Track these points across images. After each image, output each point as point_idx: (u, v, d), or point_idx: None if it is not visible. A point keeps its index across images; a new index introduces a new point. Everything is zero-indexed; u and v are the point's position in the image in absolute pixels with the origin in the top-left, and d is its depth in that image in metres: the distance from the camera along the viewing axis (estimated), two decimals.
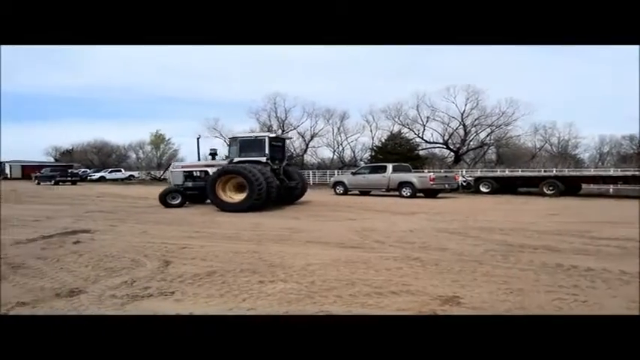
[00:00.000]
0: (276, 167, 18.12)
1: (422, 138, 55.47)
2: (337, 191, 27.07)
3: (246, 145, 18.15)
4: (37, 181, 53.13)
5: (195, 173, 19.33)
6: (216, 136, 62.45)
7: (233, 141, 18.93)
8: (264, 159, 17.70)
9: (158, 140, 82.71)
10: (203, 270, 6.68)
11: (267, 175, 16.56)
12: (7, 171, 78.91)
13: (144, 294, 5.47)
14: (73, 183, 51.81)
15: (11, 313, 4.80)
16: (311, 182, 46.07)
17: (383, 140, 54.05)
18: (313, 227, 11.64)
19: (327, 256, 7.72)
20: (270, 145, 17.93)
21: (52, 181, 50.35)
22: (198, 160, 20.48)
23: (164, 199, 17.83)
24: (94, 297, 5.34)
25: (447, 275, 6.35)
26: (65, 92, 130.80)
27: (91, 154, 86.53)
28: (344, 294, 5.43)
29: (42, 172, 55.30)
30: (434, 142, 56.14)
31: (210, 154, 20.09)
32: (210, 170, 18.38)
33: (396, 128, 55.11)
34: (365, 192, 26.57)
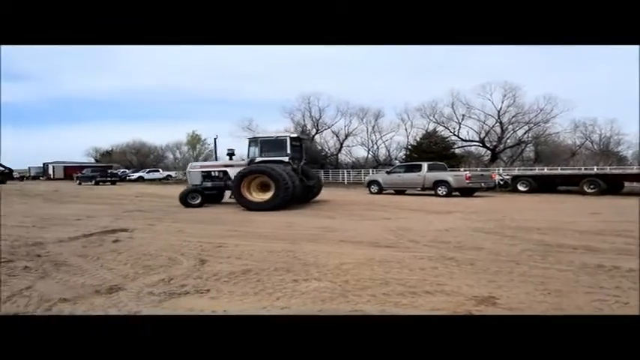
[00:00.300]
0: (295, 167, 18.26)
1: (457, 136, 54.86)
2: (372, 190, 26.98)
3: (267, 145, 18.34)
4: (78, 181, 54.64)
5: (213, 173, 19.48)
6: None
7: (253, 141, 18.82)
8: (286, 159, 17.96)
9: (194, 140, 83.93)
10: (238, 268, 6.75)
11: (291, 174, 16.95)
12: (50, 172, 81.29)
13: (180, 291, 5.57)
14: (113, 183, 53.05)
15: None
16: (345, 181, 46.10)
17: (418, 139, 53.64)
18: (347, 226, 11.63)
19: (361, 255, 7.70)
20: (291, 145, 18.14)
21: (93, 182, 51.71)
22: (216, 159, 20.77)
23: (184, 200, 17.94)
24: (133, 294, 5.47)
25: (482, 275, 6.26)
26: (105, 95, 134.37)
27: (129, 155, 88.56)
28: (377, 293, 5.41)
29: (83, 172, 56.86)
30: (470, 140, 55.44)
31: (228, 154, 20.06)
32: (230, 170, 18.70)
33: (431, 126, 54.70)
34: (400, 191, 26.40)
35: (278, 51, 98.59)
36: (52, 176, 79.65)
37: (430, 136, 51.51)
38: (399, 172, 26.40)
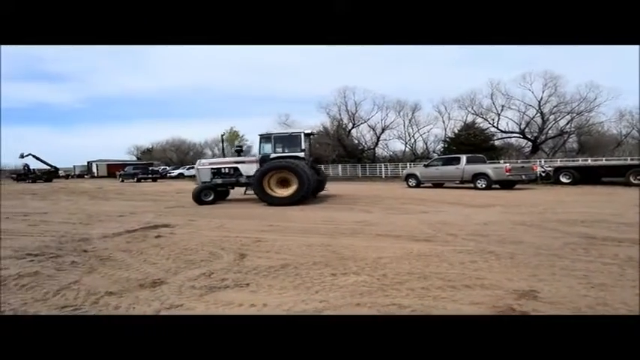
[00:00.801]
0: (308, 162, 18.46)
1: (497, 127, 53.72)
2: (409, 184, 26.81)
3: (281, 141, 18.36)
4: (120, 178, 56.02)
5: (223, 170, 19.19)
6: None
7: (265, 138, 18.68)
8: (302, 154, 18.10)
9: (232, 137, 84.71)
10: (277, 263, 6.84)
11: (309, 170, 17.44)
12: (94, 170, 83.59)
13: (221, 285, 5.69)
14: (154, 180, 54.12)
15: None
16: (382, 175, 45.92)
17: (456, 131, 52.81)
18: (385, 220, 11.61)
19: (399, 249, 7.69)
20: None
21: (135, 179, 52.92)
22: (223, 156, 20.85)
23: (198, 197, 17.86)
24: (175, 288, 5.62)
25: (523, 269, 6.17)
26: (143, 94, 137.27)
27: (169, 152, 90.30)
28: (416, 287, 5.41)
29: (125, 170, 58.17)
30: (510, 132, 54.17)
31: (236, 150, 20.17)
32: (241, 166, 18.70)
33: (469, 118, 53.70)
34: (438, 184, 26.15)
35: (313, 47, 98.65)
36: (95, 174, 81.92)
37: (468, 128, 50.62)
38: (437, 165, 26.12)
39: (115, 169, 70.63)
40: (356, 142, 60.21)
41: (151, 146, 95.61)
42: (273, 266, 6.61)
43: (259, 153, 18.64)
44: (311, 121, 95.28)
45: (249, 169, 18.44)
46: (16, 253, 8.20)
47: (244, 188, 19.08)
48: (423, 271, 6.14)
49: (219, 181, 18.74)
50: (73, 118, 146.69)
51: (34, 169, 62.51)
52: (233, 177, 18.85)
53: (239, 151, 19.99)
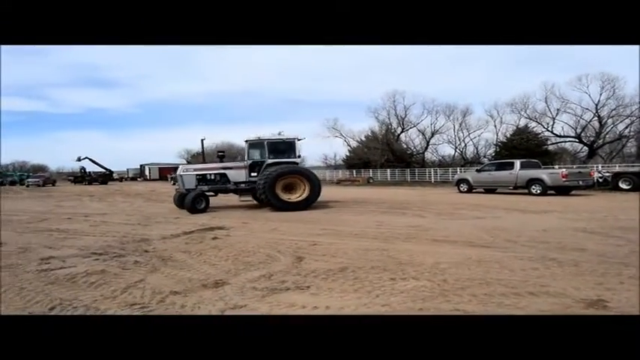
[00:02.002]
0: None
1: (551, 132, 52.10)
2: (461, 189, 26.36)
3: (275, 147, 18.00)
4: (172, 181, 57.29)
5: (209, 176, 18.27)
6: (336, 136, 63.41)
7: (257, 144, 18.08)
8: (298, 160, 18.32)
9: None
10: (335, 266, 6.86)
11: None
12: (147, 173, 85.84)
13: (281, 287, 5.75)
14: None
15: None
16: (432, 180, 45.39)
17: (508, 135, 51.60)
18: (439, 225, 11.47)
19: (457, 254, 7.58)
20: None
21: None
22: (204, 162, 19.94)
23: (193, 206, 16.50)
24: (237, 288, 5.71)
25: (588, 277, 5.98)
26: (195, 98, 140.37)
27: (213, 156, 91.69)
28: (478, 293, 5.32)
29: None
30: (565, 136, 52.48)
31: (218, 156, 19.11)
32: (229, 172, 18.07)
33: (522, 122, 52.34)
34: (490, 190, 25.62)
35: (364, 50, 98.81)
36: (148, 177, 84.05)
37: (521, 133, 49.33)
38: (490, 170, 25.57)
39: (166, 172, 72.18)
40: (405, 146, 59.80)
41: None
42: (331, 269, 6.63)
43: (247, 159, 18.10)
44: (360, 126, 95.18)
45: (237, 175, 18.01)
46: (81, 252, 8.54)
47: (239, 195, 18.32)
48: (484, 277, 6.03)
49: (205, 187, 17.81)
50: (126, 123, 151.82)
51: (90, 172, 64.93)
52: (219, 183, 18.11)
53: (221, 157, 19.03)
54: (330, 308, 4.90)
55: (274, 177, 16.62)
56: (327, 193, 28.25)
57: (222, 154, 19.25)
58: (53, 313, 4.98)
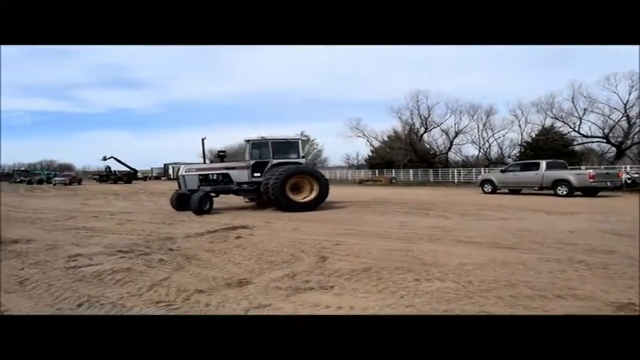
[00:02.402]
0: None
1: (578, 132, 51.04)
2: (485, 190, 26.07)
3: (279, 147, 17.76)
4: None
5: (211, 176, 17.82)
6: (359, 136, 63.29)
7: (261, 144, 17.75)
8: (303, 161, 18.15)
9: (303, 142, 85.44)
10: (358, 266, 6.83)
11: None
12: (170, 172, 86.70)
13: (305, 287, 5.75)
14: None
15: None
16: (455, 180, 45.04)
17: (533, 135, 50.88)
18: (463, 226, 11.36)
19: (482, 256, 7.50)
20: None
21: None
22: (204, 162, 19.16)
23: (199, 207, 15.66)
24: (261, 288, 5.73)
25: (618, 280, 5.85)
26: (218, 99, 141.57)
27: (241, 156, 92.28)
28: (504, 295, 5.25)
29: None
30: (592, 137, 51.46)
31: (219, 155, 18.60)
32: (232, 173, 17.59)
33: (548, 122, 51.49)
34: (515, 190, 25.29)
35: (387, 50, 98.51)
36: (171, 176, 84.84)
37: (547, 133, 48.56)
38: (515, 171, 25.24)
39: None
40: (428, 146, 59.41)
41: (224, 150, 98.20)
42: (355, 269, 6.61)
43: (250, 158, 17.64)
44: (383, 126, 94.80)
45: (240, 175, 17.53)
46: (107, 250, 8.66)
47: (243, 196, 18.21)
48: (509, 279, 5.95)
49: (207, 188, 17.11)
50: (150, 123, 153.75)
51: (115, 171, 65.87)
52: (221, 184, 17.63)
53: (222, 157, 18.53)
54: (354, 308, 4.88)
55: (285, 177, 16.33)
56: (349, 193, 28.28)
57: (223, 153, 18.78)
58: (53, 313, 4.99)
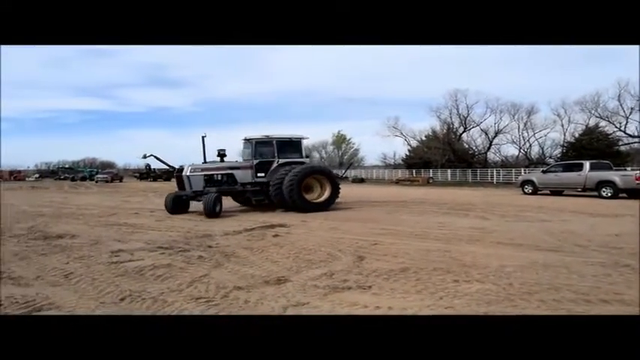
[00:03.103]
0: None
1: (624, 132, 49.42)
2: (525, 190, 25.51)
3: (284, 146, 17.20)
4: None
5: (216, 177, 16.76)
6: (396, 135, 62.82)
7: (264, 142, 17.06)
8: (307, 160, 17.89)
9: (340, 140, 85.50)
10: (396, 266, 6.78)
11: None
12: None
13: (343, 286, 5.74)
14: None
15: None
16: (494, 181, 44.27)
17: (576, 135, 49.48)
18: (503, 227, 11.14)
19: (523, 258, 7.34)
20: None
21: None
22: (204, 161, 17.26)
23: (212, 210, 14.41)
24: (298, 286, 5.75)
25: None
26: (255, 98, 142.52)
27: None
28: (547, 298, 5.13)
29: None
30: (638, 137, 49.83)
31: (219, 154, 17.18)
32: (237, 173, 16.73)
33: (592, 121, 49.95)
34: (557, 192, 24.68)
35: (425, 50, 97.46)
36: None
37: (591, 132, 47.13)
38: (557, 171, 24.60)
39: None
40: (466, 146, 58.50)
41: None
42: (393, 270, 6.56)
43: (253, 158, 16.83)
44: (421, 125, 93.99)
45: (244, 175, 16.72)
46: (148, 246, 8.83)
47: (251, 196, 16.79)
48: (552, 283, 5.80)
49: (212, 189, 15.78)
50: (189, 121, 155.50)
51: (154, 169, 67.14)
52: (226, 184, 16.61)
53: (222, 156, 17.18)
54: (392, 309, 4.85)
55: (301, 177, 15.82)
56: (385, 192, 28.16)
57: (224, 152, 17.30)
58: (54, 313, 5.07)
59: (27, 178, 73.22)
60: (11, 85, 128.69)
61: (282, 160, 16.81)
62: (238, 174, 16.67)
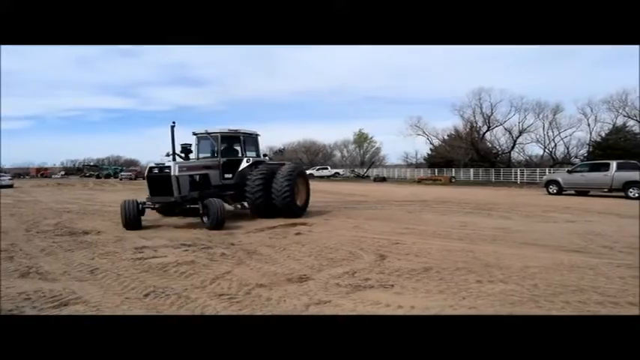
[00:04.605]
0: None
1: None
2: (550, 190, 25.15)
3: (248, 143, 15.04)
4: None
5: (195, 178, 13.25)
6: (419, 134, 62.38)
7: (229, 137, 14.65)
8: (267, 158, 16.75)
9: (361, 139, 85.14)
10: (418, 266, 6.76)
11: None
12: None
13: (365, 285, 5.74)
14: None
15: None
16: (518, 181, 43.73)
17: (603, 134, 48.57)
18: (527, 228, 11.01)
19: (547, 259, 7.25)
20: None
21: None
22: (173, 158, 13.10)
23: (222, 220, 11.52)
24: (321, 284, 5.77)
25: None
26: (279, 97, 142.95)
27: (300, 153, 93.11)
28: (572, 300, 5.06)
29: None
30: None
31: (183, 149, 13.83)
32: (211, 173, 13.74)
33: (619, 121, 48.92)
34: (582, 192, 24.29)
35: (448, 49, 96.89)
36: None
37: (618, 132, 46.22)
38: (583, 171, 24.20)
39: None
40: (490, 145, 57.84)
41: (282, 147, 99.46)
42: (415, 269, 6.54)
43: (218, 155, 14.20)
44: (444, 124, 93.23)
45: (215, 176, 13.86)
46: (171, 243, 8.94)
47: (231, 201, 14.09)
48: (577, 284, 5.72)
49: (194, 194, 12.60)
50: (212, 120, 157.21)
51: None
52: (202, 187, 13.23)
53: (188, 152, 14.08)
54: (414, 308, 4.84)
55: (294, 178, 13.75)
56: (407, 192, 28.01)
57: (189, 147, 14.11)
58: (53, 313, 5.15)
59: (53, 176, 74.69)
60: (37, 84, 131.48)
61: (252, 159, 14.28)
62: (212, 174, 13.77)
